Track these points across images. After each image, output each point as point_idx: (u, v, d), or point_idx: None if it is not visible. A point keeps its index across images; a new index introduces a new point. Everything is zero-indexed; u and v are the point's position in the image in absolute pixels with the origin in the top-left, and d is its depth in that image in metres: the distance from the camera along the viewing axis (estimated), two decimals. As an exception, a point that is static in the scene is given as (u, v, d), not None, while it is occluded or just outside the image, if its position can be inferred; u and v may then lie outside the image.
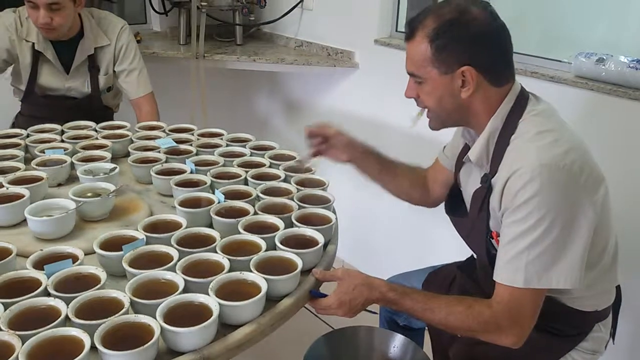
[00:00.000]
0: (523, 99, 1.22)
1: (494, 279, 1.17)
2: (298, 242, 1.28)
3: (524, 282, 1.12)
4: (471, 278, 1.43)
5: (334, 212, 1.45)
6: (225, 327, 1.06)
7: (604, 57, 1.76)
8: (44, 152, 1.67)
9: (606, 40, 1.98)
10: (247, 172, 1.58)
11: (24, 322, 0.98)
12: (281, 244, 1.25)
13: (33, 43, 2.06)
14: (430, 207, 1.61)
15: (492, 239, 1.26)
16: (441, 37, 1.16)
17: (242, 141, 1.84)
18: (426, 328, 1.59)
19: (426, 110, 1.28)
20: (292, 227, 1.34)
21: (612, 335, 1.39)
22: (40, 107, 2.15)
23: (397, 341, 1.48)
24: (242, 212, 1.38)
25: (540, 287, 1.13)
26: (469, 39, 1.15)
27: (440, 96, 1.21)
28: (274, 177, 1.58)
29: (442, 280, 1.52)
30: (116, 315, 0.98)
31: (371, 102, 2.52)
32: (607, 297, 1.33)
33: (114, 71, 2.18)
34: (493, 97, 1.21)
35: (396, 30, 2.48)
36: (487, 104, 1.21)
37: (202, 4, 2.59)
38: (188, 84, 2.69)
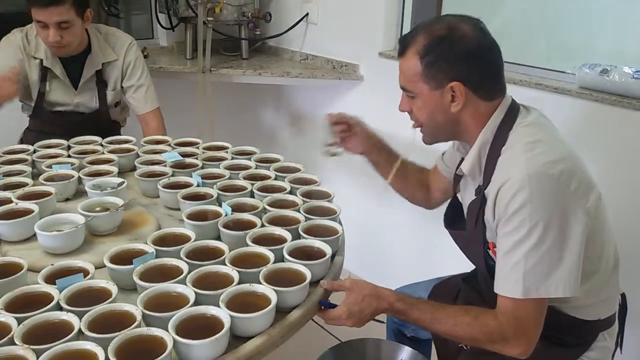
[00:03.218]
0: (513, 111, 1.24)
1: (495, 291, 1.19)
2: (306, 254, 1.29)
3: (523, 292, 1.13)
4: (475, 290, 1.44)
5: (340, 223, 1.46)
6: (236, 339, 1.07)
7: (608, 68, 1.77)
8: (51, 168, 1.68)
9: (610, 52, 2.00)
10: (253, 184, 1.60)
11: (37, 336, 0.99)
12: (289, 255, 1.26)
13: (41, 59, 2.08)
14: (428, 209, 1.65)
15: (489, 250, 1.27)
16: (431, 53, 1.19)
17: (247, 154, 1.86)
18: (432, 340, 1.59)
19: (418, 128, 1.32)
20: (299, 238, 1.35)
21: (620, 344, 1.39)
22: (48, 122, 2.16)
23: (405, 353, 1.48)
24: (250, 225, 1.39)
25: (540, 296, 1.13)
26: (458, 56, 1.18)
27: (432, 111, 1.25)
28: (280, 190, 1.60)
29: (447, 292, 1.53)
30: (129, 328, 0.99)
31: (376, 114, 2.50)
32: (609, 306, 1.33)
33: (122, 87, 2.20)
34: (483, 111, 1.24)
35: (400, 43, 2.51)
36: (478, 118, 1.24)
37: (209, 19, 2.62)
38: (195, 98, 2.71)
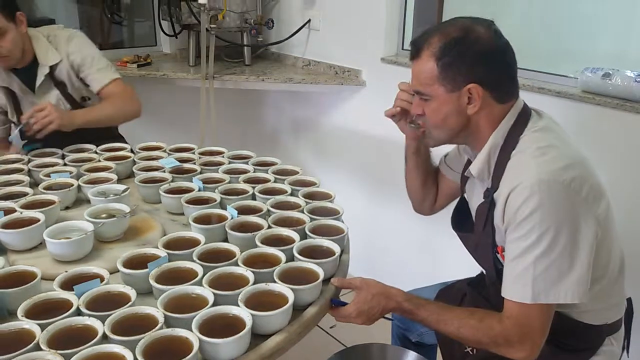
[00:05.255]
0: (525, 115, 1.24)
1: (502, 295, 1.19)
2: (315, 253, 1.32)
3: (532, 298, 1.13)
4: (482, 295, 1.43)
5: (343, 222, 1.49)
6: (256, 337, 1.09)
7: (610, 72, 1.78)
8: (49, 176, 1.68)
9: (612, 55, 2.01)
10: (254, 187, 1.62)
11: (61, 341, 1.00)
12: (299, 254, 1.29)
13: None
14: (426, 215, 1.65)
15: (498, 253, 1.27)
16: (447, 55, 1.18)
17: (243, 158, 1.88)
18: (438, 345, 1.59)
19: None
20: (306, 238, 1.38)
21: (626, 348, 1.40)
22: (39, 137, 2.03)
23: (410, 358, 1.49)
24: (256, 227, 1.42)
25: (549, 302, 1.14)
26: (475, 57, 1.18)
27: (447, 113, 1.23)
28: (280, 192, 1.62)
29: (452, 296, 1.52)
30: (154, 330, 1.01)
31: (378, 119, 2.53)
32: (616, 310, 1.32)
33: (81, 79, 2.11)
34: (496, 114, 1.23)
35: (402, 49, 2.55)
36: (490, 121, 1.24)
37: (212, 26, 2.63)
38: (198, 105, 2.72)
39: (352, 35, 2.64)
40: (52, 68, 2.06)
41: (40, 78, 2.05)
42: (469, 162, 1.37)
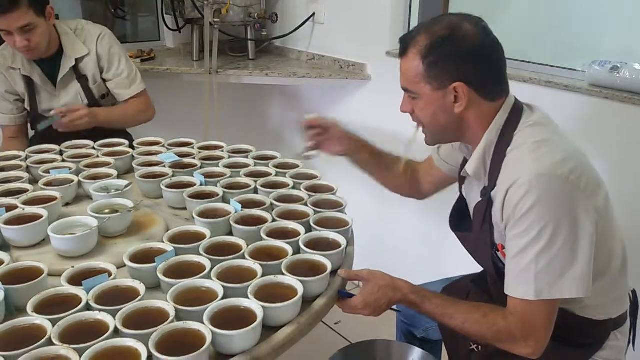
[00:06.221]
0: (517, 110, 1.23)
1: (505, 292, 1.18)
2: (321, 245, 1.33)
3: (535, 294, 1.13)
4: (485, 292, 1.43)
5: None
6: (266, 329, 1.10)
7: (618, 65, 1.76)
8: (48, 173, 1.67)
9: (618, 49, 2.00)
10: (256, 181, 1.62)
11: (73, 336, 1.00)
12: (305, 247, 1.29)
13: (19, 69, 2.04)
14: (420, 199, 1.65)
15: (498, 251, 1.27)
16: (433, 53, 1.18)
17: (243, 152, 1.88)
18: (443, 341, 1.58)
19: (420, 128, 1.31)
20: (311, 231, 1.38)
21: (632, 341, 1.39)
22: (51, 129, 2.03)
23: (415, 355, 1.50)
24: (261, 220, 1.42)
25: (552, 297, 1.13)
26: (461, 56, 1.17)
27: (434, 111, 1.23)
28: (283, 185, 1.62)
29: (457, 293, 1.49)
30: (165, 323, 1.01)
31: (383, 114, 2.51)
32: (620, 305, 1.32)
33: (103, 79, 2.16)
34: (487, 112, 1.22)
35: (408, 42, 2.54)
36: (481, 118, 1.23)
37: (215, 20, 2.62)
38: (201, 99, 2.71)
39: (357, 29, 2.62)
40: (77, 61, 2.09)
41: (64, 70, 2.07)
42: (465, 162, 1.36)
